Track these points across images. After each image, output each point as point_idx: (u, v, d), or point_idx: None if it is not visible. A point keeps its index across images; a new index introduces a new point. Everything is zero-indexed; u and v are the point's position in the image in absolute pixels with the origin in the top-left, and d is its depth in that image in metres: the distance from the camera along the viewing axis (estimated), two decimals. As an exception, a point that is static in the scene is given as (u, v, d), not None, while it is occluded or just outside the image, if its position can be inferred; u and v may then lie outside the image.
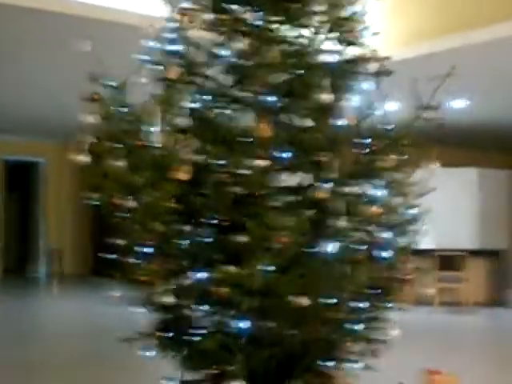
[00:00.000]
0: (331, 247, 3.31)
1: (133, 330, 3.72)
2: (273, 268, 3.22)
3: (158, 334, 3.68)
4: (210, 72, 3.93)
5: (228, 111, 3.96)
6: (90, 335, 7.69)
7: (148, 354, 3.79)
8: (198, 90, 3.89)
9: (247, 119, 3.87)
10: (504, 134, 14.48)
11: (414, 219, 3.92)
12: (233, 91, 3.96)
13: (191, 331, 3.58)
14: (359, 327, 3.57)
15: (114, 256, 3.71)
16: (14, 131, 14.13)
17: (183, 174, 3.46)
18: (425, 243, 10.32)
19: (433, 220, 11.45)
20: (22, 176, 16.73)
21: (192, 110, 3.73)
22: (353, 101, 3.82)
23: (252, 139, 3.67)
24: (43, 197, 15.89)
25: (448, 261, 10.52)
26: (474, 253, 11.00)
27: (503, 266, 11.07)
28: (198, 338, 3.50)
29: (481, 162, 14.11)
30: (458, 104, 10.76)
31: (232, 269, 3.28)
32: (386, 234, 3.62)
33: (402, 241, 3.84)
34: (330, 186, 3.57)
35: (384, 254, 3.55)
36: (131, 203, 3.40)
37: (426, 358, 5.94)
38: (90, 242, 15.72)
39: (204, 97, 3.89)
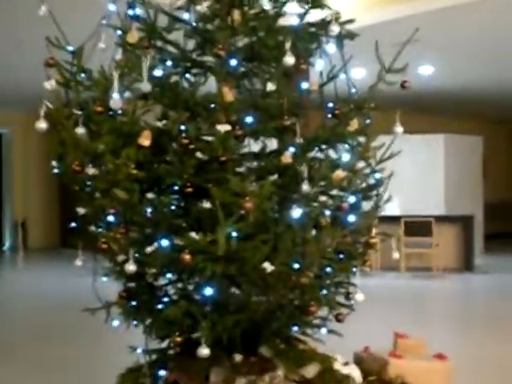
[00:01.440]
0: (296, 212, 3.28)
1: (98, 300, 3.66)
2: (237, 234, 3.19)
3: (121, 302, 3.63)
4: (171, 36, 3.85)
5: (190, 76, 3.90)
6: (55, 307, 7.64)
7: (113, 323, 3.75)
8: (158, 55, 3.82)
9: (209, 84, 3.81)
10: (469, 99, 14.55)
11: (378, 184, 3.90)
12: (194, 56, 3.89)
13: (155, 299, 3.55)
14: (324, 292, 3.56)
15: (77, 226, 3.65)
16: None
17: (145, 140, 3.40)
18: (391, 210, 10.34)
19: (399, 186, 11.47)
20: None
21: (153, 75, 3.65)
22: (316, 65, 3.77)
23: (214, 104, 3.62)
24: (9, 168, 15.67)
25: (415, 227, 10.58)
26: (442, 219, 11.07)
27: (470, 231, 11.16)
28: (161, 306, 3.47)
29: (447, 129, 14.17)
30: (424, 70, 10.75)
31: (195, 235, 3.24)
32: (351, 199, 3.59)
33: (366, 205, 3.83)
34: (293, 150, 3.52)
35: (349, 219, 3.53)
36: (92, 170, 3.32)
37: (393, 323, 5.99)
38: (58, 213, 15.57)
39: (165, 62, 3.82)
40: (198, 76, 3.92)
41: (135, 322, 3.70)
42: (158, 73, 3.62)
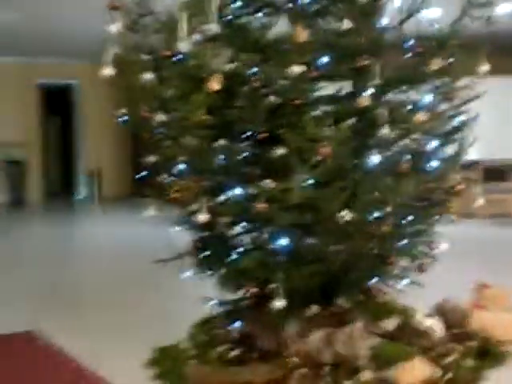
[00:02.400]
0: (375, 158, 3.09)
1: (171, 250, 3.58)
2: (313, 182, 3.03)
3: (194, 253, 3.55)
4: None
5: (260, 16, 3.70)
6: (128, 257, 7.67)
7: (186, 274, 3.68)
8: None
9: (281, 25, 3.62)
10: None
11: (461, 127, 3.67)
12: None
13: (228, 250, 3.44)
14: (405, 241, 3.38)
15: (148, 175, 3.56)
16: (45, 53, 13.91)
17: (215, 85, 3.24)
18: (468, 154, 9.92)
19: (476, 130, 11.04)
20: (61, 100, 16.61)
21: (222, 15, 3.48)
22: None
23: (287, 45, 3.42)
24: (81, 119, 15.81)
25: (494, 172, 10.19)
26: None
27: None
28: (235, 257, 3.36)
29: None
30: (501, 9, 10.20)
31: (269, 184, 3.09)
32: (433, 143, 3.38)
33: (449, 150, 3.61)
34: (372, 92, 3.31)
35: (431, 164, 3.32)
36: (161, 117, 3.20)
37: (473, 273, 5.77)
38: (130, 163, 15.67)
39: (235, 1, 3.64)
40: (269, 16, 3.72)
41: (208, 273, 3.60)
42: (227, 13, 3.45)
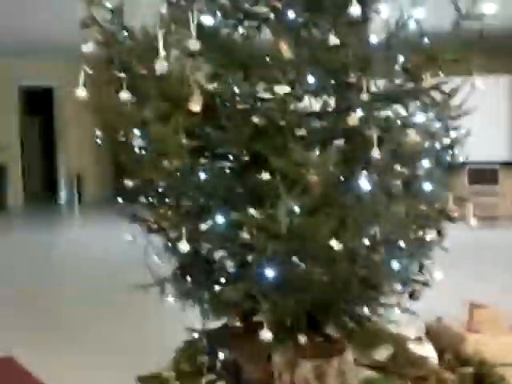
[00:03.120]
0: (365, 183, 2.92)
1: (152, 276, 3.40)
2: (300, 209, 2.85)
3: (176, 281, 3.36)
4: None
5: (242, 30, 3.52)
6: (107, 270, 7.41)
7: (169, 300, 3.50)
8: (208, 6, 3.46)
9: (264, 38, 3.44)
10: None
11: (453, 144, 3.51)
12: (247, 6, 3.51)
13: (212, 279, 3.26)
14: (397, 267, 3.21)
15: (127, 199, 3.38)
16: (25, 54, 13.63)
17: (195, 105, 3.05)
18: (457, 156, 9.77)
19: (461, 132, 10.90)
20: (42, 101, 16.34)
21: (202, 29, 3.29)
22: (383, 11, 3.35)
23: (271, 61, 3.24)
24: (62, 121, 15.56)
25: (480, 174, 10.08)
26: (506, 165, 10.51)
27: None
28: (219, 287, 3.18)
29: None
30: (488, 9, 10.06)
31: (254, 211, 2.91)
32: (425, 162, 3.21)
33: (441, 170, 3.44)
34: (360, 110, 3.14)
35: (424, 187, 3.16)
36: (138, 141, 3.01)
37: (461, 282, 5.64)
38: (112, 166, 15.42)
39: (215, 14, 3.46)
40: (252, 29, 3.55)
41: (191, 301, 3.42)
42: (207, 26, 3.26)
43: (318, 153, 2.93)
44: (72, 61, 13.90)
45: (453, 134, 3.51)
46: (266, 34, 3.50)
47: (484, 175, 10.04)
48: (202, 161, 3.15)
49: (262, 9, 3.45)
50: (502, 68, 13.80)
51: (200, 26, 3.23)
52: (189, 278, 3.36)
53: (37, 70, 14.74)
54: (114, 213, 3.13)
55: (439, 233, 3.51)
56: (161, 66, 2.95)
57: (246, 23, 3.55)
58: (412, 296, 3.35)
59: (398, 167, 3.11)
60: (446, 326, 3.96)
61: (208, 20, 3.36)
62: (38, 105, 16.57)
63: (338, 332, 3.43)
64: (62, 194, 15.80)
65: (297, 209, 2.85)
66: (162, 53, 2.92)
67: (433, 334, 4.01)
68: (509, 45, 14.48)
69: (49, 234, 10.81)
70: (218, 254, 3.26)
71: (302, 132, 3.25)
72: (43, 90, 15.75)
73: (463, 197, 3.54)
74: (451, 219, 3.32)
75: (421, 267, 3.47)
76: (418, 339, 3.81)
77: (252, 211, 2.91)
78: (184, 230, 3.03)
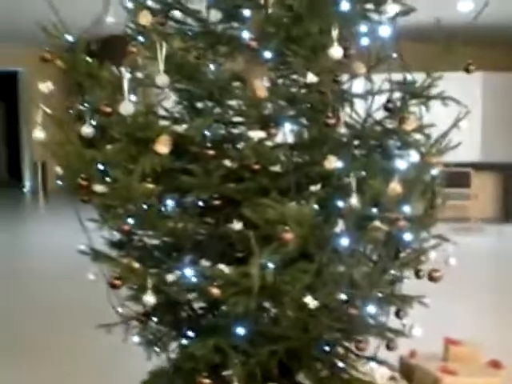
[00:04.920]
0: (343, 239, 2.75)
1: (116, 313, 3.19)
2: (274, 265, 2.68)
3: (141, 328, 3.18)
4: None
5: (214, 57, 3.30)
6: (66, 276, 7.14)
7: (133, 341, 3.31)
8: (177, 32, 3.26)
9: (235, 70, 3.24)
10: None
11: (434, 181, 3.35)
12: (219, 29, 3.31)
13: (179, 330, 3.08)
14: (373, 322, 3.05)
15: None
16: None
17: (163, 147, 2.85)
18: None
19: (433, 131, 10.79)
20: (7, 86, 15.93)
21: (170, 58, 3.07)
22: (364, 48, 3.16)
23: (244, 99, 3.05)
24: (27, 108, 15.19)
25: (452, 177, 9.98)
26: (479, 167, 10.44)
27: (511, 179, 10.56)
28: (186, 341, 3.00)
29: (485, 65, 13.33)
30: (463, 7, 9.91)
31: (225, 268, 2.73)
32: (406, 210, 3.03)
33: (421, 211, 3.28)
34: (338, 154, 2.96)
35: (405, 237, 2.99)
36: (100, 188, 2.80)
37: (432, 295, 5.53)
38: (78, 153, 15.07)
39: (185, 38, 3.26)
40: (224, 56, 3.34)
41: (157, 350, 3.24)
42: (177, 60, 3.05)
43: (294, 204, 2.73)
44: (38, 46, 13.55)
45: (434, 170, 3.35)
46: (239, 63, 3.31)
47: (456, 178, 9.94)
48: (170, 208, 2.94)
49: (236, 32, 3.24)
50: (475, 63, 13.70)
51: (168, 54, 3.02)
52: (154, 325, 3.17)
53: (1, 54, 14.34)
54: (77, 204, 2.90)
55: (417, 274, 3.36)
56: (126, 108, 2.74)
57: (219, 48, 3.35)
58: (389, 347, 3.20)
59: (377, 217, 2.93)
60: (420, 366, 3.82)
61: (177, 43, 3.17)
62: (4, 90, 16.17)
63: (310, 380, 3.27)
64: (28, 183, 15.47)
65: (271, 264, 2.68)
66: (128, 96, 2.71)
67: (406, 370, 3.88)
68: (478, 39, 14.41)
69: (7, 226, 10.49)
70: (186, 307, 3.07)
71: (277, 168, 3.07)
72: (8, 74, 15.35)
73: (444, 237, 3.37)
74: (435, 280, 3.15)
75: (397, 310, 3.32)
76: (392, 379, 3.67)
77: (222, 266, 2.73)
78: (149, 281, 2.84)
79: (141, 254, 2.96)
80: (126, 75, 2.72)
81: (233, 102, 3.17)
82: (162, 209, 2.97)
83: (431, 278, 3.04)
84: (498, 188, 10.68)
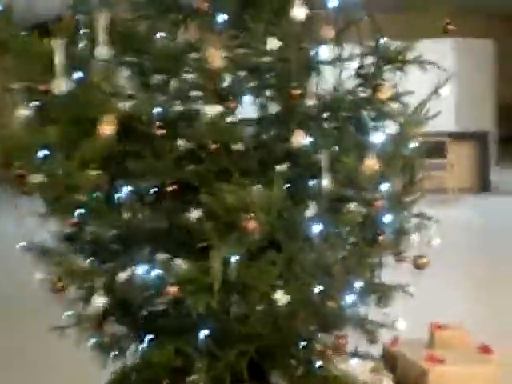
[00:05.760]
0: (315, 225, 2.43)
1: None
2: (238, 257, 2.35)
3: (95, 331, 2.84)
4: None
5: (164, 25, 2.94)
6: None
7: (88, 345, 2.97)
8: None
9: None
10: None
11: (413, 156, 3.05)
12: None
13: (136, 335, 2.75)
14: (354, 315, 2.75)
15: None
16: None
17: (107, 128, 2.50)
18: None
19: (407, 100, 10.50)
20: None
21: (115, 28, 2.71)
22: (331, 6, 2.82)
23: (199, 70, 2.71)
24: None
25: (428, 148, 9.69)
26: (454, 136, 10.16)
27: (485, 149, 10.29)
28: (145, 346, 2.67)
29: (458, 31, 13.03)
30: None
31: (181, 263, 2.40)
32: (383, 187, 2.72)
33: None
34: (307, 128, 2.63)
35: (384, 219, 2.68)
36: (39, 177, 2.44)
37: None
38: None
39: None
40: (175, 25, 2.98)
41: (112, 356, 2.90)
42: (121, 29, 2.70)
43: (258, 187, 2.39)
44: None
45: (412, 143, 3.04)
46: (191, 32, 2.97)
47: (431, 149, 9.62)
48: (119, 196, 2.60)
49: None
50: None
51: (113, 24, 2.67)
52: (110, 328, 2.84)
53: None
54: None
55: (398, 258, 3.05)
56: (59, 86, 2.38)
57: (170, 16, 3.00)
58: (371, 341, 2.90)
59: (352, 199, 2.61)
60: (404, 355, 3.53)
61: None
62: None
63: (285, 380, 2.96)
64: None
65: (234, 258, 2.36)
66: (60, 70, 2.35)
67: (390, 360, 3.60)
68: (453, 6, 14.09)
69: None
70: (143, 307, 2.74)
71: (239, 146, 2.73)
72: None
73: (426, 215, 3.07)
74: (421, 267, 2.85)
75: (378, 297, 3.02)
76: (375, 370, 3.39)
77: (179, 261, 2.39)
78: (99, 281, 2.50)
79: (93, 249, 2.62)
80: (58, 47, 2.35)
81: (188, 76, 2.83)
82: (112, 198, 2.62)
83: (417, 266, 2.73)
84: (474, 158, 10.44)
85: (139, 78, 2.86)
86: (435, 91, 2.87)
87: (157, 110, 2.53)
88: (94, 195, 2.58)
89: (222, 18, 2.55)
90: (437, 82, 3.18)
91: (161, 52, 2.80)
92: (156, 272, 2.44)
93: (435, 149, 9.61)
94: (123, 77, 2.83)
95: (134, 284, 2.50)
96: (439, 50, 11.32)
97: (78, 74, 2.47)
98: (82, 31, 2.62)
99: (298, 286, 2.47)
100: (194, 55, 2.79)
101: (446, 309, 4.94)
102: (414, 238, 2.99)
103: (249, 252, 2.40)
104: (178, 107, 2.69)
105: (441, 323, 3.71)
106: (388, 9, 9.29)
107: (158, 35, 2.87)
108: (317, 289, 2.52)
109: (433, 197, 9.72)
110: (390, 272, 2.89)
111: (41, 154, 2.52)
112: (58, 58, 2.38)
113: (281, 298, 2.42)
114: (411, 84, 3.23)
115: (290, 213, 2.45)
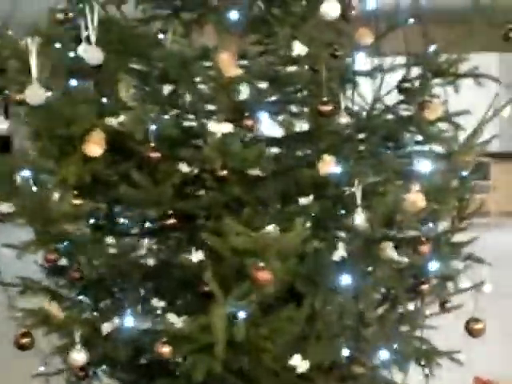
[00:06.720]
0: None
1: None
2: (246, 313, 1.88)
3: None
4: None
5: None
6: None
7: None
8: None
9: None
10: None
11: (464, 187, 2.56)
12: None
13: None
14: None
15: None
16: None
17: (95, 148, 2.06)
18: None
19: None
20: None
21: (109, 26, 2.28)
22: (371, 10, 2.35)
23: (209, 80, 2.25)
24: None
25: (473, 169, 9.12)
26: (500, 156, 9.58)
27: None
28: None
29: (503, 45, 12.45)
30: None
31: (176, 319, 1.94)
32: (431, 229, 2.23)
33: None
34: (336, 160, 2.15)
35: (430, 267, 2.18)
36: (5, 207, 2.01)
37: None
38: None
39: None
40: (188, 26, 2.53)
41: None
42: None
43: (273, 227, 1.91)
44: None
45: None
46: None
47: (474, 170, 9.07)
48: (106, 231, 2.15)
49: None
50: (492, 44, 12.87)
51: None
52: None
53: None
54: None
55: (443, 306, 2.56)
56: (34, 94, 1.94)
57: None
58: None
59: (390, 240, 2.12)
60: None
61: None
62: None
63: None
64: None
65: (241, 314, 1.89)
66: (36, 76, 1.91)
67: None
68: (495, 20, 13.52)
69: None
70: (131, 365, 2.28)
71: (254, 172, 2.26)
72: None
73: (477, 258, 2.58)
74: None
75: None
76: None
77: (173, 318, 1.93)
78: (78, 336, 2.05)
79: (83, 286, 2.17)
80: (33, 49, 1.91)
81: (198, 86, 2.38)
82: (99, 231, 2.18)
83: (470, 331, 2.23)
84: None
85: (140, 88, 2.42)
86: (497, 111, 2.35)
87: (153, 126, 2.07)
88: (79, 225, 2.14)
89: (234, 14, 2.08)
90: (493, 100, 2.69)
91: (170, 58, 2.34)
92: (146, 326, 1.98)
93: (478, 170, 9.01)
94: (121, 86, 2.38)
95: (119, 338, 2.05)
96: (484, 65, 10.76)
97: (59, 82, 2.04)
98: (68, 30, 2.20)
99: (320, 349, 1.98)
100: (205, 62, 2.34)
101: (491, 362, 4.34)
102: (463, 283, 2.49)
103: (260, 306, 1.93)
104: (183, 122, 2.23)
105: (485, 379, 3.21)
106: (439, 20, 8.75)
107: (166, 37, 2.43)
108: (344, 352, 2.03)
109: (475, 220, 9.19)
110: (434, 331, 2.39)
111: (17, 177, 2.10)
112: (34, 62, 1.94)
113: (298, 363, 1.94)
114: (460, 101, 2.74)
115: (314, 257, 1.97)
